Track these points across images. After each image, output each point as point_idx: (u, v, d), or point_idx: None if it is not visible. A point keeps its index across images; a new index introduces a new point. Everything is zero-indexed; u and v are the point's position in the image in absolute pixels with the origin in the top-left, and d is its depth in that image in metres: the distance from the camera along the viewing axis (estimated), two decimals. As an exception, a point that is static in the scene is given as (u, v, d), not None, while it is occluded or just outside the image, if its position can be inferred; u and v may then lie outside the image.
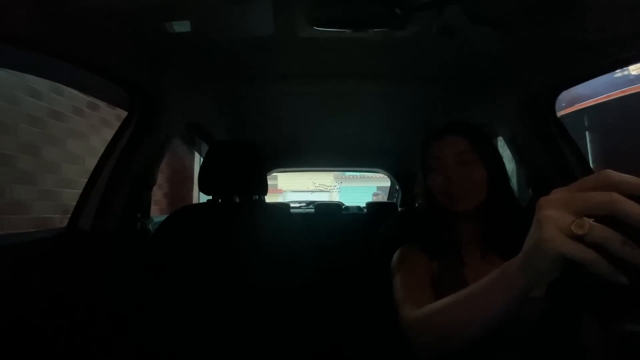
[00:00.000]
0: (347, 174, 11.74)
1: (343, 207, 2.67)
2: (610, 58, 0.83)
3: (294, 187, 11.29)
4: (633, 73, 2.33)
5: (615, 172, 0.33)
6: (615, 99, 2.42)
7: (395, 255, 0.77)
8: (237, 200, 1.18)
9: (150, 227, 1.22)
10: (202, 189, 1.10)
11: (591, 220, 0.32)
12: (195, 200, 3.88)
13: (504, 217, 0.70)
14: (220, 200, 1.11)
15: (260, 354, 0.95)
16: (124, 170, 1.09)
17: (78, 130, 2.27)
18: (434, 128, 0.77)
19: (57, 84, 2.04)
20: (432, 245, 0.74)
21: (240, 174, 1.09)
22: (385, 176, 2.86)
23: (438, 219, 0.75)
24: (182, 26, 0.86)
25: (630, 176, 0.32)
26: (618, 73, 2.34)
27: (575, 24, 0.78)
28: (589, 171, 1.02)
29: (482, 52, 0.99)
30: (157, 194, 3.55)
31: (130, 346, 0.98)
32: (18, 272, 0.79)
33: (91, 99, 2.38)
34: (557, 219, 0.34)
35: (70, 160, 2.33)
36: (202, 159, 1.48)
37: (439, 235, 0.74)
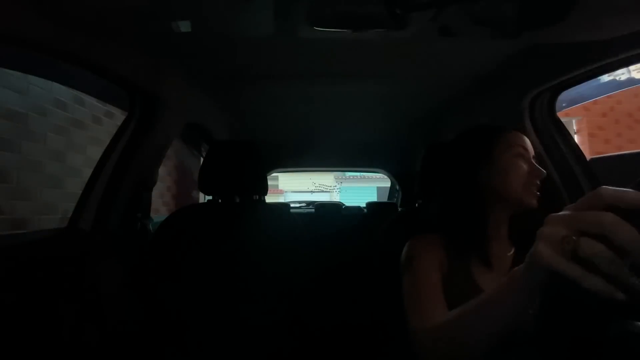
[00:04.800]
0: (348, 174, 11.75)
1: (343, 207, 2.67)
2: (610, 58, 0.83)
3: (294, 188, 11.31)
4: (621, 78, 2.34)
5: (609, 190, 0.32)
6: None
7: (405, 250, 0.75)
8: (237, 200, 1.18)
9: (151, 227, 1.22)
10: (202, 189, 1.10)
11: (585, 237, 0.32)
12: (201, 201, 3.89)
13: (539, 217, 0.71)
14: (220, 201, 1.11)
15: (260, 352, 0.95)
16: (124, 170, 1.09)
17: (97, 138, 2.46)
18: (434, 128, 0.77)
19: (80, 94, 2.24)
20: (463, 240, 0.71)
21: (240, 174, 1.09)
22: (385, 176, 2.86)
23: (481, 213, 0.72)
24: (182, 26, 0.86)
25: (625, 191, 0.32)
26: (606, 77, 2.36)
27: (575, 25, 0.78)
28: (589, 171, 1.02)
29: (482, 53, 0.99)
30: (167, 196, 3.62)
31: (130, 346, 0.98)
32: (18, 272, 0.79)
33: (107, 107, 2.55)
34: (549, 235, 0.35)
35: (91, 165, 2.43)
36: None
37: (475, 230, 0.71)
